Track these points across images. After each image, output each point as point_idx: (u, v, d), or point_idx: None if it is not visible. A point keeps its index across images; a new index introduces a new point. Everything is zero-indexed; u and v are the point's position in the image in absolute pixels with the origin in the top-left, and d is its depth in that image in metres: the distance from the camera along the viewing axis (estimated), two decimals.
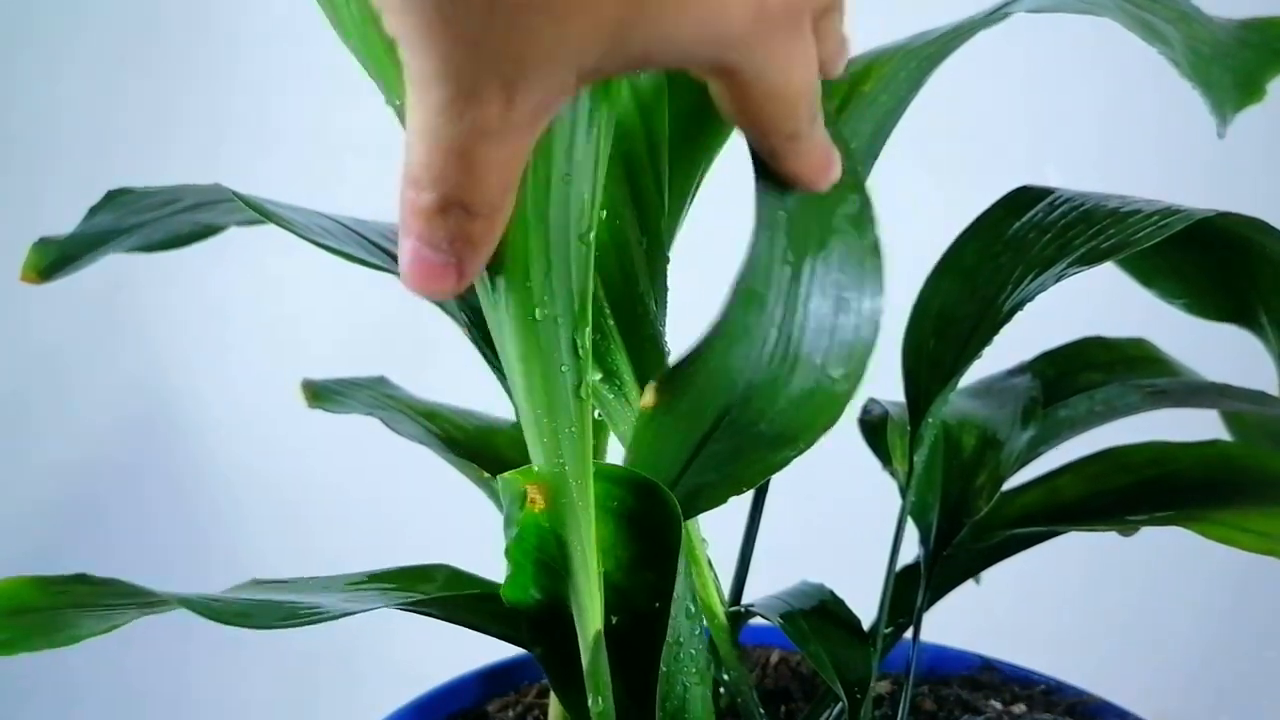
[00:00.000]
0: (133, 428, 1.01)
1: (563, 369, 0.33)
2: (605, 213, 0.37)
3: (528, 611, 0.36)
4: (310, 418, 0.61)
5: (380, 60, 0.35)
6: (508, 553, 0.35)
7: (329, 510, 1.02)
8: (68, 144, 0.97)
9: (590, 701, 0.35)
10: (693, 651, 0.39)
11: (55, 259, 0.50)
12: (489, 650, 0.58)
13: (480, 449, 0.53)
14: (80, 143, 0.97)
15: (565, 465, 0.34)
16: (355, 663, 1.03)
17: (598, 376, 0.40)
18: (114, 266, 0.91)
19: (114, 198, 0.52)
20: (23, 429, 1.00)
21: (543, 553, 0.35)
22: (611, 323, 0.39)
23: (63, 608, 0.39)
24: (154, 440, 1.01)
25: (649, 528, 0.36)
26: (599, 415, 0.41)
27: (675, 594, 0.35)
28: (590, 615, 0.35)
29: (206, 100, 0.98)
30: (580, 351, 0.33)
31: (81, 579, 0.41)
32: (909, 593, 0.51)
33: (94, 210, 0.52)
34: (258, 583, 0.42)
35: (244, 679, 1.02)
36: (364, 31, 0.35)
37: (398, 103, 0.37)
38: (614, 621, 0.36)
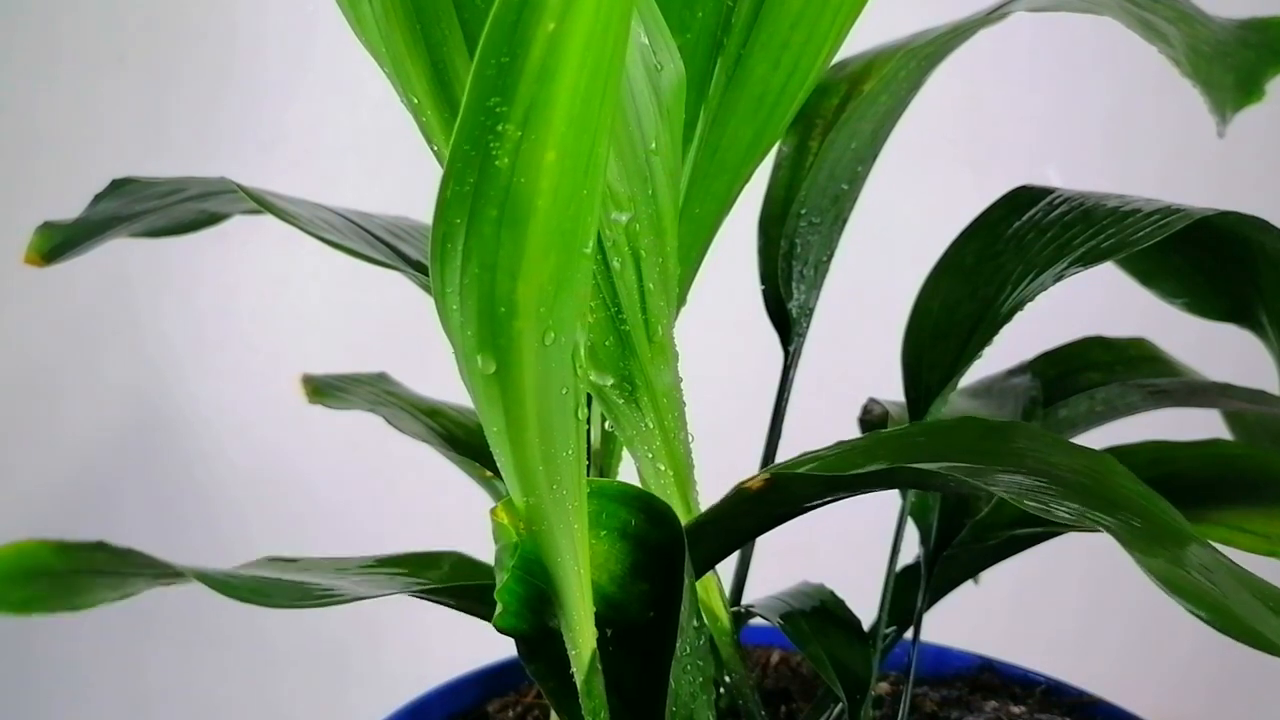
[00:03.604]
0: (132, 425, 1.01)
1: (563, 392, 0.32)
2: (619, 214, 0.37)
3: (522, 634, 0.36)
4: (312, 415, 0.61)
5: (399, 57, 0.35)
6: (499, 593, 0.34)
7: (330, 506, 1.02)
8: (67, 143, 0.97)
9: None
10: (699, 662, 0.39)
11: (59, 242, 0.50)
12: (489, 650, 0.58)
13: (482, 447, 0.53)
14: (80, 142, 0.97)
15: (559, 490, 0.33)
16: (353, 664, 1.03)
17: (609, 382, 0.40)
18: (116, 264, 0.91)
19: (119, 186, 0.52)
20: (28, 423, 1.00)
21: (532, 578, 0.35)
22: (626, 328, 0.39)
23: (80, 572, 0.39)
24: (153, 437, 1.01)
25: (652, 547, 0.36)
26: (609, 427, 0.41)
27: (683, 611, 0.35)
28: (583, 637, 0.35)
29: (207, 100, 0.98)
30: (578, 371, 0.32)
31: (101, 546, 0.41)
32: (909, 593, 0.51)
33: (99, 197, 0.52)
34: (270, 560, 0.42)
35: (242, 680, 1.02)
36: (385, 28, 0.35)
37: (414, 100, 0.37)
38: (609, 634, 0.36)
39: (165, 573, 0.39)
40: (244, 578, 0.39)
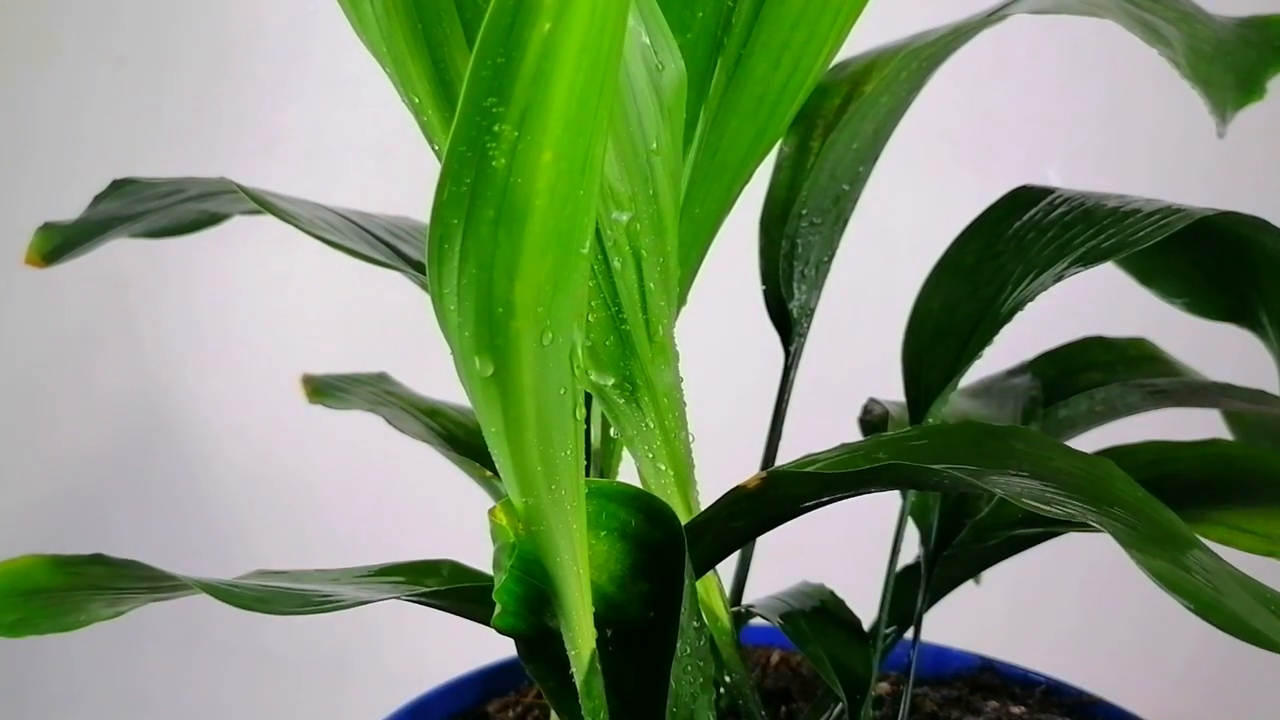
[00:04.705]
0: (136, 424, 1.01)
1: (561, 393, 0.32)
2: (619, 214, 0.37)
3: (520, 634, 0.36)
4: (312, 415, 0.61)
5: (400, 56, 0.35)
6: (497, 594, 0.34)
7: (329, 506, 1.02)
8: (66, 144, 0.97)
9: None
10: (700, 663, 0.39)
11: (60, 243, 0.50)
12: (489, 650, 0.58)
13: (482, 447, 0.53)
14: (79, 143, 0.97)
15: (558, 490, 0.33)
16: (353, 665, 1.03)
17: (610, 382, 0.40)
18: (117, 264, 0.91)
19: (119, 187, 0.52)
20: (29, 422, 1.00)
21: (531, 578, 0.35)
22: (627, 328, 0.39)
23: (76, 589, 0.38)
24: (156, 436, 1.01)
25: (652, 547, 0.36)
26: (614, 434, 0.41)
27: (683, 611, 0.35)
28: (582, 637, 0.35)
29: (207, 101, 0.98)
30: (576, 370, 0.32)
31: (98, 559, 0.40)
32: (909, 593, 0.51)
33: (99, 198, 0.52)
34: (263, 573, 0.42)
35: (242, 681, 1.02)
36: (386, 27, 0.35)
37: (415, 99, 0.37)
38: (608, 634, 0.36)
39: (165, 585, 0.39)
40: (246, 586, 0.39)
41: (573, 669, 0.35)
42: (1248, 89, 0.37)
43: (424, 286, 0.46)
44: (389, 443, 0.61)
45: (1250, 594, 0.31)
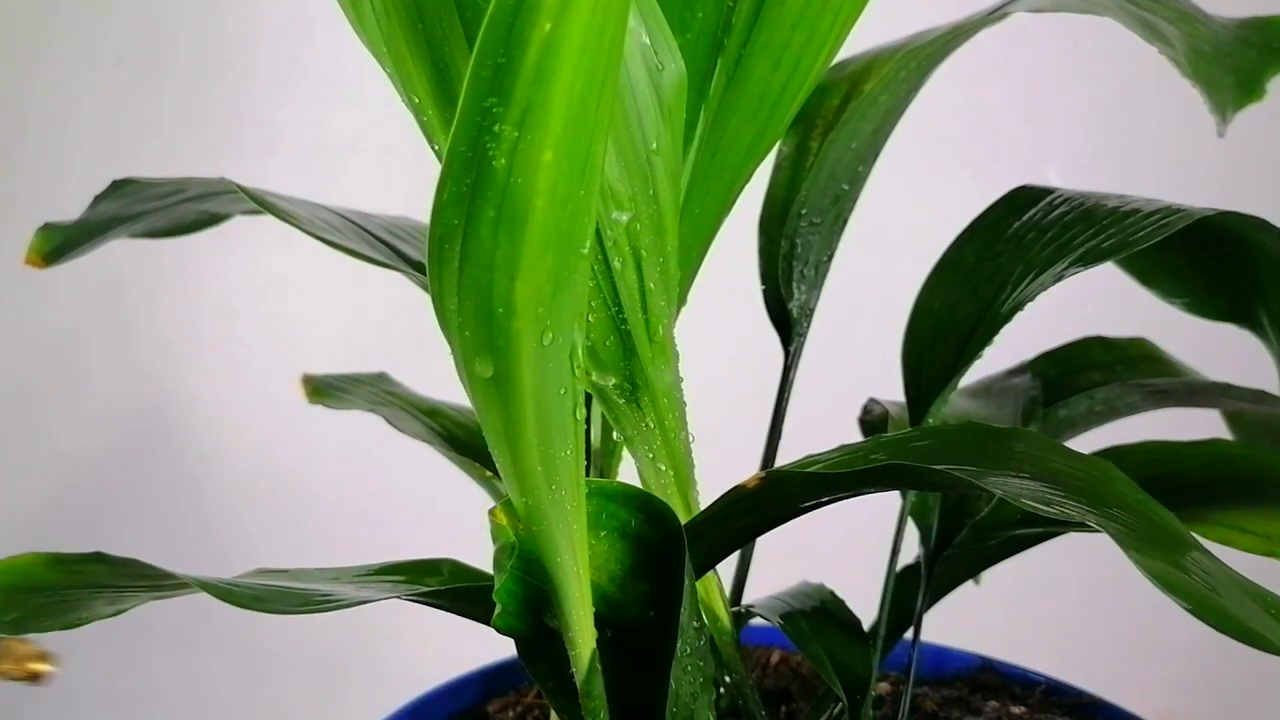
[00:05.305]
0: (135, 425, 1.01)
1: (561, 393, 0.32)
2: (619, 214, 0.37)
3: (520, 634, 0.36)
4: (313, 415, 0.61)
5: (400, 56, 0.35)
6: (497, 594, 0.34)
7: (329, 507, 1.02)
8: (65, 144, 0.97)
9: None
10: (700, 663, 0.39)
11: (60, 244, 0.50)
12: (489, 650, 0.58)
13: (482, 447, 0.53)
14: (81, 141, 0.97)
15: (558, 490, 0.33)
16: (352, 665, 1.03)
17: (610, 382, 0.40)
18: (119, 264, 0.91)
19: (119, 187, 0.52)
20: (27, 424, 1.00)
21: (531, 578, 0.35)
22: (627, 328, 0.39)
23: (76, 587, 0.38)
24: (155, 437, 1.01)
25: (652, 547, 0.36)
26: (617, 437, 0.41)
27: (683, 611, 0.35)
28: (582, 637, 0.35)
29: (205, 99, 0.98)
30: (576, 370, 0.32)
31: (98, 558, 0.40)
32: (909, 593, 0.51)
33: (99, 198, 0.52)
34: (264, 572, 0.42)
35: (242, 681, 1.02)
36: (386, 27, 0.35)
37: (415, 99, 0.37)
38: (609, 634, 0.36)
39: (165, 584, 0.39)
40: (246, 585, 0.39)
41: (573, 669, 0.35)
42: (1248, 90, 0.37)
43: (424, 286, 0.46)
44: (389, 443, 0.61)
45: (1248, 596, 0.31)
